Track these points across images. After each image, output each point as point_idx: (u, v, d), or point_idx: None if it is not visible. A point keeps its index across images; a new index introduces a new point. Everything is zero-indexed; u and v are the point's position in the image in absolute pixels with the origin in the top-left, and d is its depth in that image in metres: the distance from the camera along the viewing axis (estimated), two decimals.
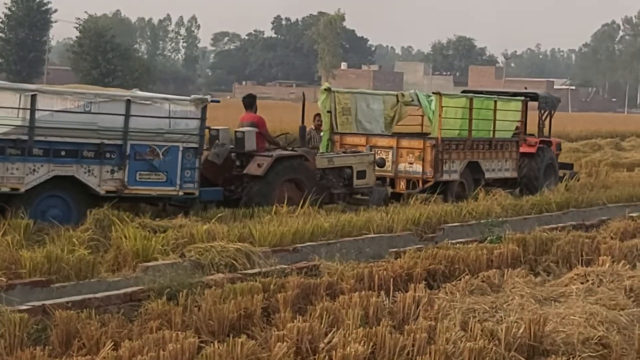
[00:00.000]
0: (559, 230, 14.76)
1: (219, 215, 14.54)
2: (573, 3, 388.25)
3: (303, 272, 10.89)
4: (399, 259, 11.81)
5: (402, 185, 20.62)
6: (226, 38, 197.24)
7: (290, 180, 17.05)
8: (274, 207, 15.60)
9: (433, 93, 22.24)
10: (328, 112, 21.49)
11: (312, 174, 17.42)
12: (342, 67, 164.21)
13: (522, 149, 23.34)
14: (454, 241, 13.57)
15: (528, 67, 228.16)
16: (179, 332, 7.75)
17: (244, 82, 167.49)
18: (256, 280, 9.95)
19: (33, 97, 14.19)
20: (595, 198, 20.10)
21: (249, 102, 18.09)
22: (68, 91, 15.19)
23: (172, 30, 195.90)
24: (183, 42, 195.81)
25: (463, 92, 24.42)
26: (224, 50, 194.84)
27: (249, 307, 8.93)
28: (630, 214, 17.34)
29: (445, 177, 20.65)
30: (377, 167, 19.25)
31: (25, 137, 14.15)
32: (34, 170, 14.29)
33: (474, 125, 21.79)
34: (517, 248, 12.79)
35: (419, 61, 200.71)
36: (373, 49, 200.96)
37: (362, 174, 18.57)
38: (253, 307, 8.96)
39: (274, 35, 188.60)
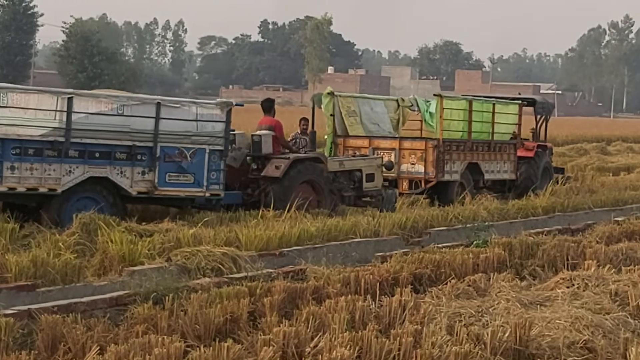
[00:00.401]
0: (545, 235, 14.80)
1: (205, 219, 14.53)
2: (559, 8, 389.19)
3: (289, 277, 10.90)
4: (385, 263, 11.83)
5: (404, 186, 21.14)
6: (213, 42, 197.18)
7: (306, 182, 17.36)
8: (260, 211, 15.64)
9: (434, 95, 22.62)
10: (331, 115, 21.88)
11: (327, 177, 17.77)
12: (329, 72, 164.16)
13: (520, 153, 23.92)
14: (440, 245, 13.60)
15: (514, 71, 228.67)
16: (165, 337, 7.74)
17: (230, 86, 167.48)
18: (242, 285, 9.94)
19: (70, 100, 14.55)
20: (581, 202, 20.16)
21: (268, 106, 18.39)
22: (102, 94, 15.85)
23: (159, 34, 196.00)
24: (170, 45, 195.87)
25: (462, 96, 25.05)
26: (211, 54, 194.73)
27: (235, 312, 8.92)
28: (615, 218, 17.38)
29: (447, 177, 21.21)
30: (385, 170, 19.61)
31: (62, 139, 14.49)
32: (69, 171, 14.66)
33: (473, 128, 22.30)
34: (503, 252, 12.81)
35: (406, 65, 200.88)
36: (360, 53, 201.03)
37: (371, 177, 18.91)
38: (239, 312, 8.95)
39: (261, 40, 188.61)
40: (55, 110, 14.53)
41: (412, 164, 21.11)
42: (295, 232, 13.58)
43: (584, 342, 8.46)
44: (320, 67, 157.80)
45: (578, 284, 10.79)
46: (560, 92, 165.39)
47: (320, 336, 8.11)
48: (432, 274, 11.60)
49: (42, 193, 14.45)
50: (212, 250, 11.53)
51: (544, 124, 26.44)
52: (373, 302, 9.69)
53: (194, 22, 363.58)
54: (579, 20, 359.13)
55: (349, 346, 7.58)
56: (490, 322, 8.95)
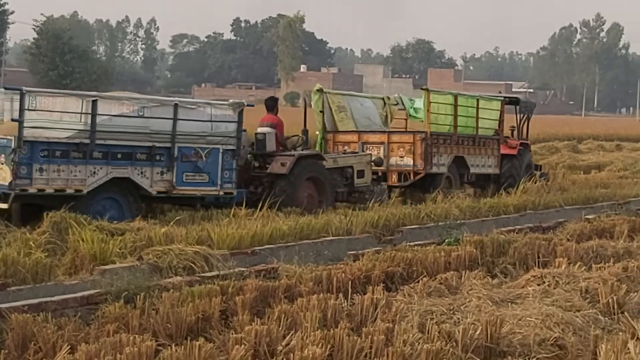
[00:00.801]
0: (516, 233, 14.86)
1: (177, 218, 14.50)
2: (531, 6, 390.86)
3: (261, 275, 10.89)
4: (357, 261, 11.84)
5: (394, 178, 21.72)
6: (185, 40, 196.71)
7: (309, 179, 18.01)
8: (233, 210, 15.63)
9: (422, 89, 23.11)
10: (320, 112, 22.35)
11: (328, 173, 18.43)
12: (302, 70, 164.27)
13: (504, 151, 24.55)
14: (412, 243, 13.61)
15: (487, 70, 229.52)
16: (137, 336, 7.70)
17: (203, 85, 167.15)
18: (214, 283, 9.92)
19: (94, 103, 14.99)
20: (552, 200, 20.26)
21: (271, 104, 19.09)
22: (124, 96, 16.35)
23: (131, 32, 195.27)
24: (142, 43, 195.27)
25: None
26: (183, 52, 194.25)
27: (207, 310, 8.91)
28: (586, 216, 17.48)
29: (435, 169, 21.88)
30: (374, 166, 20.36)
31: (87, 141, 14.91)
32: (94, 172, 15.09)
33: (459, 122, 22.95)
34: (474, 250, 12.85)
35: (379, 64, 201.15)
36: (332, 51, 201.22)
37: (361, 174, 19.56)
38: (211, 310, 8.94)
39: (233, 38, 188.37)
40: (81, 113, 14.93)
41: (401, 156, 21.64)
42: (267, 230, 13.58)
43: (554, 339, 8.50)
44: (293, 65, 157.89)
45: (549, 281, 10.83)
46: (532, 90, 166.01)
47: (292, 334, 8.10)
48: (404, 272, 11.62)
49: (69, 194, 14.74)
50: (184, 248, 11.52)
51: (527, 122, 27.06)
52: (345, 301, 9.70)
53: (166, 20, 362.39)
54: (551, 19, 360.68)
55: (320, 344, 7.58)
56: (462, 320, 8.98)
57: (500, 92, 28.58)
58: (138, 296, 9.20)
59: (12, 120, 14.44)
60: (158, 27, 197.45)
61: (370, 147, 21.23)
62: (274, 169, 17.57)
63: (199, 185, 16.35)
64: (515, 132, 26.71)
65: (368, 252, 12.54)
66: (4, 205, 14.35)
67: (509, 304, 10.02)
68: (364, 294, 9.72)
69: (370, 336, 7.84)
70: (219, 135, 16.55)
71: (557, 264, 11.98)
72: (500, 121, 24.51)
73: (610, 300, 10.06)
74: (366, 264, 11.42)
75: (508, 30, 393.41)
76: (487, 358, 8.09)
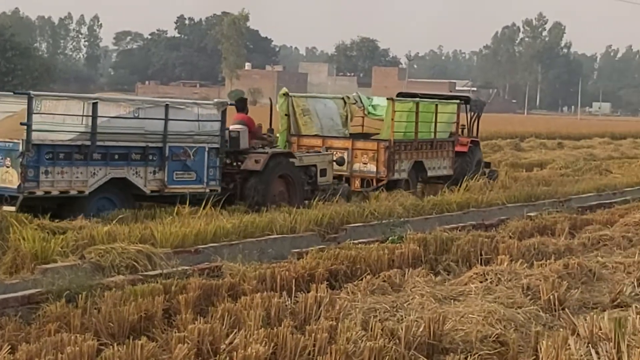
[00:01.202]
0: (459, 230, 14.96)
1: (120, 216, 14.40)
2: (475, 5, 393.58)
3: (205, 274, 10.87)
4: (301, 259, 11.84)
5: (357, 184, 22.09)
6: (129, 37, 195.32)
7: (281, 176, 18.27)
8: (176, 208, 15.57)
9: (387, 99, 23.41)
10: (286, 115, 22.67)
11: (297, 171, 18.72)
12: (246, 68, 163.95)
13: (455, 148, 24.93)
14: (356, 241, 13.65)
15: (431, 68, 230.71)
16: (78, 335, 7.65)
17: (147, 82, 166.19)
18: (157, 282, 9.88)
19: (95, 105, 15.22)
20: (494, 198, 20.38)
21: (241, 105, 19.55)
22: (121, 98, 16.84)
23: (73, 29, 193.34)
24: (84, 41, 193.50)
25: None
26: (127, 50, 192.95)
27: (149, 309, 8.86)
28: (528, 214, 17.64)
29: (396, 175, 22.33)
30: (336, 166, 20.73)
31: (88, 143, 15.11)
32: (94, 173, 15.25)
33: (419, 128, 23.31)
34: (418, 248, 12.91)
35: (323, 62, 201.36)
36: (277, 49, 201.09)
37: (324, 172, 19.85)
38: (154, 309, 8.90)
39: (177, 35, 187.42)
40: (82, 115, 15.13)
41: (365, 163, 22.08)
42: (211, 229, 13.53)
43: (496, 335, 8.58)
44: (238, 63, 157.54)
45: (491, 278, 10.92)
46: (475, 89, 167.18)
47: (235, 333, 8.10)
48: (347, 270, 11.65)
49: (72, 195, 14.97)
50: (126, 247, 11.44)
51: (477, 121, 27.58)
52: (289, 299, 9.71)
53: (109, 17, 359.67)
54: (494, 18, 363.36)
55: (264, 342, 7.58)
56: (405, 317, 9.03)
57: (450, 91, 29.25)
58: (80, 295, 9.12)
59: (21, 124, 14.43)
60: (101, 24, 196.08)
61: (335, 153, 21.36)
62: (248, 166, 17.82)
63: (187, 184, 16.64)
64: (465, 130, 26.99)
65: (312, 250, 12.56)
66: (12, 208, 14.29)
67: (452, 301, 10.10)
68: (308, 292, 9.74)
69: (313, 334, 7.85)
70: (205, 134, 16.94)
71: (500, 261, 12.09)
72: (456, 123, 25.03)
73: (551, 296, 10.18)
74: (310, 262, 11.43)
75: (452, 29, 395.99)
76: (429, 355, 8.14)
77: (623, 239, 14.78)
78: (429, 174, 23.67)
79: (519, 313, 9.48)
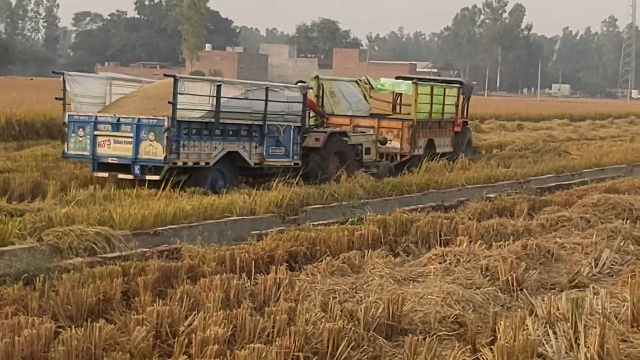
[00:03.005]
0: (419, 212, 14.99)
1: (78, 198, 14.29)
2: None
3: (164, 256, 10.82)
4: (261, 241, 11.82)
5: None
6: (88, 18, 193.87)
7: (336, 153, 20.41)
8: (135, 190, 15.51)
9: (412, 82, 26.00)
10: (316, 96, 24.90)
11: (350, 148, 20.88)
12: (207, 49, 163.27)
13: None
14: (316, 223, 13.66)
15: (391, 50, 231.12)
16: (35, 318, 7.58)
17: (106, 63, 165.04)
18: (116, 264, 9.82)
19: (219, 87, 17.47)
20: (454, 179, 20.43)
21: None
22: (236, 81, 19.83)
23: (32, 10, 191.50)
24: (43, 21, 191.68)
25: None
26: (86, 31, 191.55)
27: (108, 292, 8.81)
28: (487, 195, 17.71)
29: (416, 152, 25.09)
30: (379, 145, 22.77)
31: (212, 120, 17.31)
32: (215, 147, 17.51)
33: (433, 109, 26.27)
34: (377, 229, 12.92)
35: (284, 43, 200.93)
36: (238, 30, 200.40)
37: (368, 150, 21.88)
38: (112, 291, 8.85)
39: (137, 16, 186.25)
40: (209, 96, 17.39)
41: (390, 140, 24.33)
42: (170, 210, 13.47)
43: (454, 316, 8.62)
44: (198, 44, 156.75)
45: (450, 259, 10.96)
46: (436, 70, 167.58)
47: (194, 315, 8.09)
48: (307, 251, 11.65)
49: (201, 166, 17.24)
50: (85, 229, 11.37)
51: (467, 103, 30.05)
52: (248, 281, 9.71)
53: None
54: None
55: (223, 324, 7.57)
56: (364, 299, 9.05)
57: (439, 75, 32.90)
58: (37, 278, 9.05)
59: (169, 102, 16.39)
60: (59, 4, 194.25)
61: (361, 131, 23.32)
62: (309, 143, 19.83)
63: (279, 158, 19.01)
64: (458, 112, 29.11)
65: (272, 232, 12.54)
66: (156, 177, 16.59)
67: (411, 282, 10.13)
68: (267, 273, 9.73)
69: (272, 316, 7.85)
70: (292, 114, 19.29)
71: (459, 243, 12.14)
72: (457, 105, 28.08)
73: (509, 277, 10.24)
74: (270, 243, 11.41)
75: (413, 11, 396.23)
76: (388, 336, 8.17)
77: (581, 220, 14.87)
78: (437, 150, 26.09)
79: (477, 294, 9.53)
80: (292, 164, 19.18)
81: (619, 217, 15.29)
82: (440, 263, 10.88)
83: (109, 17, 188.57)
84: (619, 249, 12.36)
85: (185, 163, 16.81)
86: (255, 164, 18.43)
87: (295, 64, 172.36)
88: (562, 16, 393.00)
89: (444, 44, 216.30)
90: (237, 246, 11.40)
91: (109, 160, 17.00)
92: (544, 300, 8.65)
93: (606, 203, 16.08)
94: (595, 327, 7.49)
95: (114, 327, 7.58)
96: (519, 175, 22.31)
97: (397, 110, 28.94)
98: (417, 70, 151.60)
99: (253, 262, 10.50)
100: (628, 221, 14.71)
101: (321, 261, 10.90)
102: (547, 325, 8.07)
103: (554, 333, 7.88)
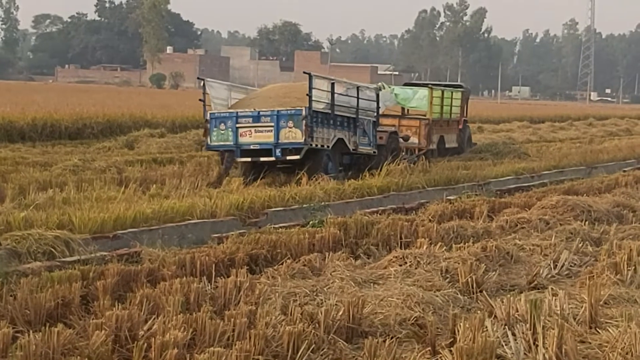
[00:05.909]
0: (380, 214, 15.01)
1: (37, 202, 14.19)
2: None
3: (124, 259, 10.75)
4: (221, 244, 11.79)
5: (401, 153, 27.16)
6: (48, 20, 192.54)
7: (391, 150, 23.90)
8: (95, 193, 15.41)
9: (429, 87, 31.19)
10: None
11: (398, 146, 24.85)
12: (168, 51, 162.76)
13: None
14: (276, 226, 13.62)
15: (353, 52, 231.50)
16: None
17: (67, 66, 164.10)
18: (75, 268, 9.75)
19: (332, 84, 21.31)
20: (415, 182, 20.48)
21: None
22: (341, 80, 22.89)
23: None
24: (2, 24, 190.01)
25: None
26: (46, 33, 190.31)
27: (66, 296, 8.75)
28: (448, 197, 17.78)
29: (431, 146, 29.84)
30: (402, 141, 26.17)
31: (329, 111, 21.04)
32: (331, 134, 21.05)
33: (443, 110, 31.10)
34: (338, 232, 12.91)
35: (246, 46, 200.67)
36: (199, 32, 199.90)
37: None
38: (71, 296, 8.79)
39: (98, 18, 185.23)
40: (327, 91, 21.12)
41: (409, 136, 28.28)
42: (130, 214, 13.39)
43: (415, 318, 8.65)
44: (159, 46, 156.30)
45: (410, 262, 10.99)
46: (397, 73, 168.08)
47: (154, 319, 8.05)
48: (268, 254, 11.63)
49: (323, 149, 20.71)
50: (44, 233, 11.28)
51: (466, 104, 34.29)
52: (208, 284, 9.68)
53: (27, 0, 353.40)
54: (416, 2, 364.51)
55: (182, 328, 7.55)
56: (325, 301, 9.05)
57: (439, 81, 37.34)
58: None
59: (307, 95, 20.06)
60: (18, 6, 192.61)
61: (403, 131, 27.78)
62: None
63: (365, 146, 22.57)
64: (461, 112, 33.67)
65: (232, 234, 12.51)
66: (297, 157, 20.24)
67: (372, 284, 10.15)
68: (228, 277, 9.71)
69: (233, 319, 7.84)
70: (371, 110, 23.03)
71: (419, 245, 12.17)
72: (462, 107, 32.90)
73: (469, 279, 10.28)
74: (230, 246, 11.39)
75: (373, 13, 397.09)
76: (349, 338, 8.18)
77: (540, 221, 14.96)
78: (447, 145, 31.14)
79: (437, 296, 9.56)
80: (372, 152, 22.78)
81: (577, 218, 15.41)
82: (400, 265, 10.91)
83: (69, 20, 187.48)
84: (577, 250, 12.46)
85: (316, 145, 20.31)
86: (352, 149, 21.98)
87: (257, 66, 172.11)
88: (521, 19, 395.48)
89: (405, 47, 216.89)
90: (198, 249, 11.37)
91: (251, 147, 20.40)
92: (503, 302, 8.69)
93: (565, 205, 16.20)
94: (553, 328, 7.54)
95: (72, 332, 7.54)
96: (479, 177, 22.43)
97: (406, 112, 32.90)
98: (378, 72, 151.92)
99: (213, 266, 10.48)
100: (586, 223, 14.82)
101: (282, 264, 10.89)
102: (506, 327, 8.11)
103: (513, 334, 7.92)
